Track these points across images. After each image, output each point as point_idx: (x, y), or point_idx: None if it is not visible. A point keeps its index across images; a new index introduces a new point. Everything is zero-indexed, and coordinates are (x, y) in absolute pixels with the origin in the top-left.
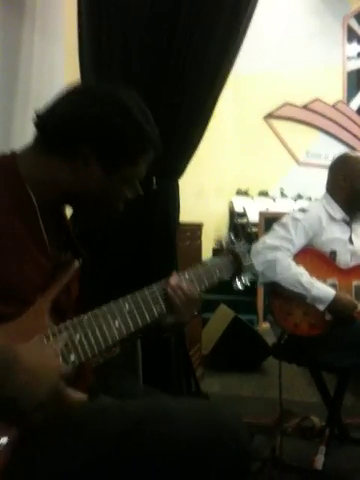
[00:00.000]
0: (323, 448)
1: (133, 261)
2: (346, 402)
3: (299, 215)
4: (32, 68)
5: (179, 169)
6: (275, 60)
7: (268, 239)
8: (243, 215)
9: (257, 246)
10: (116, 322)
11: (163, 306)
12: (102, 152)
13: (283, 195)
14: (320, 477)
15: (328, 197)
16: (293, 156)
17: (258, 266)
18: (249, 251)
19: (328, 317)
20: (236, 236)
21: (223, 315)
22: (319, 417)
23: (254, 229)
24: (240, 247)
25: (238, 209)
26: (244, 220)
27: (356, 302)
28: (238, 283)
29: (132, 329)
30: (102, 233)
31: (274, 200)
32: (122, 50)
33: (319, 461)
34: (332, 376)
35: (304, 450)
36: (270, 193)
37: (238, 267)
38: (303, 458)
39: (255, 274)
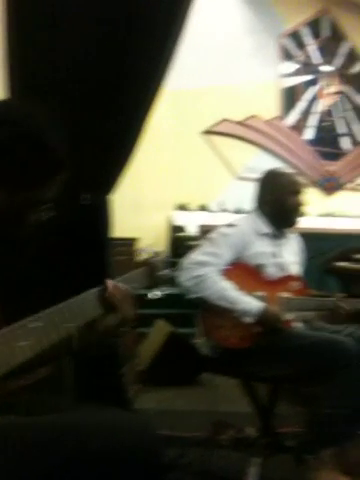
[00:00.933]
0: (256, 460)
1: (63, 279)
2: (281, 411)
3: (227, 230)
4: None
5: (111, 185)
6: (213, 76)
7: (196, 255)
8: (182, 229)
9: (185, 262)
10: (23, 342)
11: (78, 323)
12: (5, 179)
13: (223, 209)
14: None
15: (257, 211)
16: (232, 171)
17: (186, 282)
18: (172, 264)
19: (257, 329)
20: (176, 250)
21: (160, 330)
22: (254, 428)
23: (194, 243)
24: (155, 258)
25: (178, 223)
26: (183, 234)
27: (283, 313)
28: (153, 294)
29: (39, 348)
30: (29, 251)
31: (214, 214)
32: (52, 65)
33: (253, 473)
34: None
35: (238, 462)
36: (210, 207)
37: (153, 278)
38: (237, 470)
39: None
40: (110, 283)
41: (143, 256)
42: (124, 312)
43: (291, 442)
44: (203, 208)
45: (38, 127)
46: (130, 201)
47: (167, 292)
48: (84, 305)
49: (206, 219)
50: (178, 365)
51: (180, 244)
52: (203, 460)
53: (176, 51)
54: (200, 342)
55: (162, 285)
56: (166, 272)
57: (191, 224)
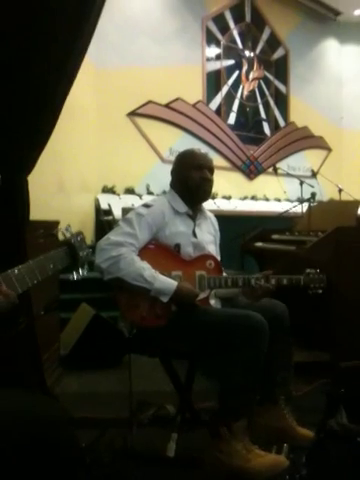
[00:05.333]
0: (175, 435)
1: None
2: (199, 387)
3: (143, 210)
4: None
5: (26, 165)
6: (138, 57)
7: (112, 236)
8: (109, 212)
9: (101, 243)
10: None
11: None
12: None
13: (149, 192)
14: (171, 463)
15: (172, 192)
16: (157, 153)
17: (102, 263)
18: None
19: (173, 308)
20: (102, 234)
21: (84, 313)
22: (174, 405)
23: None
24: (75, 237)
25: (104, 206)
26: (110, 217)
27: (197, 291)
28: (74, 274)
29: None
30: None
31: (140, 197)
32: None
33: (171, 448)
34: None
35: (159, 439)
36: (136, 190)
37: (74, 258)
38: (158, 447)
39: (94, 266)
40: None
41: (63, 236)
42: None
43: (207, 416)
44: (130, 191)
45: None
46: (54, 183)
47: (89, 274)
48: None
49: (132, 202)
50: (103, 347)
51: (106, 227)
52: (123, 439)
53: (92, 30)
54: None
55: (83, 266)
56: (87, 252)
57: (117, 207)
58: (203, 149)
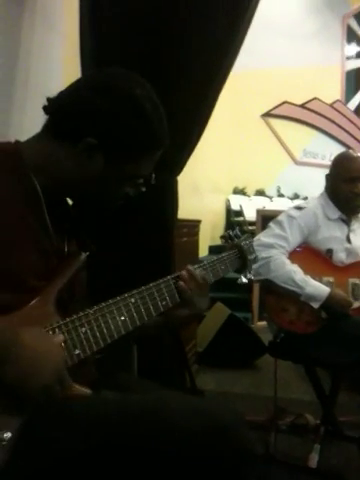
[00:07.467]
0: (317, 446)
1: (129, 256)
2: (340, 399)
3: (295, 213)
4: (31, 57)
5: (178, 165)
6: (274, 58)
7: (263, 237)
8: (240, 213)
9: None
10: (122, 316)
11: (169, 301)
12: (107, 146)
13: (280, 194)
14: (314, 475)
15: (325, 195)
16: (290, 155)
17: None
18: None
19: (324, 315)
20: (241, 232)
21: (219, 313)
22: (313, 415)
23: (251, 227)
24: (245, 241)
25: (235, 207)
26: (241, 218)
27: (351, 300)
28: (243, 277)
29: (137, 323)
30: (100, 226)
31: (271, 199)
32: (123, 41)
33: (313, 459)
34: (327, 373)
35: (298, 447)
36: (267, 192)
37: (243, 261)
38: (297, 455)
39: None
40: (186, 273)
41: (229, 238)
42: (195, 308)
43: (352, 432)
44: (260, 193)
45: (143, 102)
46: (189, 183)
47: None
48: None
49: (263, 204)
50: (236, 348)
51: (237, 228)
52: (263, 443)
53: (245, 33)
54: (259, 326)
55: (250, 269)
56: (255, 256)
57: (248, 208)
58: (339, 150)
